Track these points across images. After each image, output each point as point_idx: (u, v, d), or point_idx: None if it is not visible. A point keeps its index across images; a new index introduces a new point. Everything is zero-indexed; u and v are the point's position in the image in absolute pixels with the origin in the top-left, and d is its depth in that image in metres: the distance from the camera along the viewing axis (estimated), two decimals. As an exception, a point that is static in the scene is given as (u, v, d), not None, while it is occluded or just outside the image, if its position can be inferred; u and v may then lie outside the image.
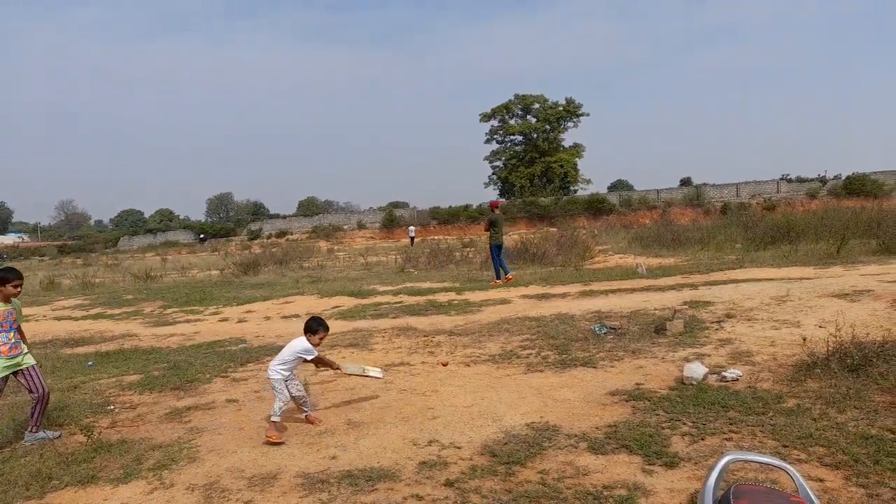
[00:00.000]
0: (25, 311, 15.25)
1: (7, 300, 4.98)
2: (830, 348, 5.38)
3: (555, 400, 5.25)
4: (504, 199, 67.07)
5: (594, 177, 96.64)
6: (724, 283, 10.76)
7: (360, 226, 66.02)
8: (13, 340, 4.95)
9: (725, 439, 4.11)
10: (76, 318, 13.65)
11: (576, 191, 70.10)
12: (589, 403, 5.10)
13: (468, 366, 6.66)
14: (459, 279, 15.15)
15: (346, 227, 66.40)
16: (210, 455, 4.49)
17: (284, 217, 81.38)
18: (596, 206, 57.38)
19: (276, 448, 4.53)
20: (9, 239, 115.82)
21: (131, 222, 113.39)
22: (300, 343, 5.11)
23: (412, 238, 42.78)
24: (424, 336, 8.43)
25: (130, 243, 78.41)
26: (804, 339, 5.88)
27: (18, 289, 5.03)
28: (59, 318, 13.84)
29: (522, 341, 7.60)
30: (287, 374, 4.98)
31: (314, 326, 5.20)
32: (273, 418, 4.80)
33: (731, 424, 4.34)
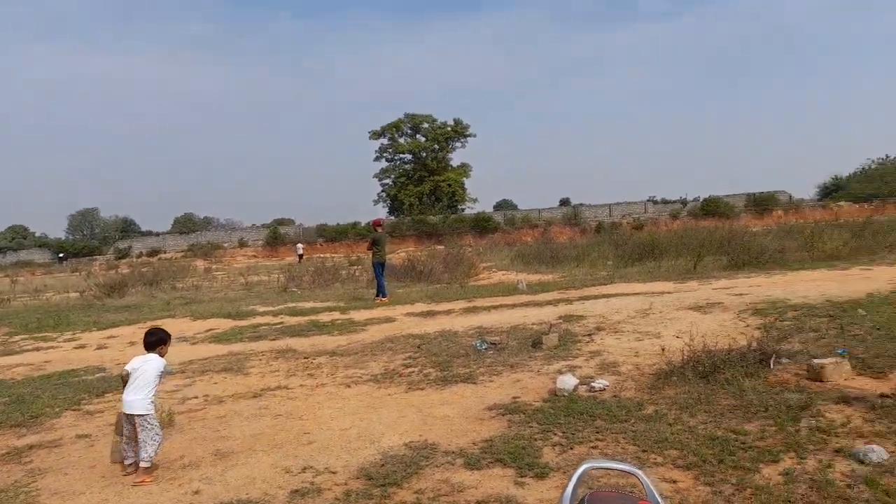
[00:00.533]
0: None
1: None
2: (685, 357, 5.82)
3: (434, 417, 5.26)
4: (391, 217, 67.25)
5: (481, 196, 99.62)
6: (597, 297, 11.40)
7: (242, 244, 63.34)
8: None
9: (592, 447, 4.31)
10: None
11: (463, 209, 71.76)
12: (468, 419, 5.16)
13: (349, 387, 6.53)
14: (345, 298, 14.91)
15: (226, 245, 63.43)
16: (52, 499, 4.04)
17: (158, 234, 76.32)
18: (482, 225, 59.03)
19: (132, 488, 4.15)
20: None
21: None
22: (157, 362, 4.58)
23: (300, 256, 41.57)
24: (304, 358, 8.18)
25: (-27, 263, 69.85)
26: (663, 349, 6.34)
27: None
28: None
29: (405, 359, 7.58)
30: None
31: (165, 336, 4.76)
32: (144, 464, 4.27)
33: (597, 433, 4.56)
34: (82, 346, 10.81)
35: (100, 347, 10.52)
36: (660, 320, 8.57)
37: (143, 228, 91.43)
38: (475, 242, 46.57)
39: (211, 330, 11.38)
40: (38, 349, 10.82)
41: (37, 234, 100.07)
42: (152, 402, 4.48)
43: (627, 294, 11.49)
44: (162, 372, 4.61)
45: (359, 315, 11.86)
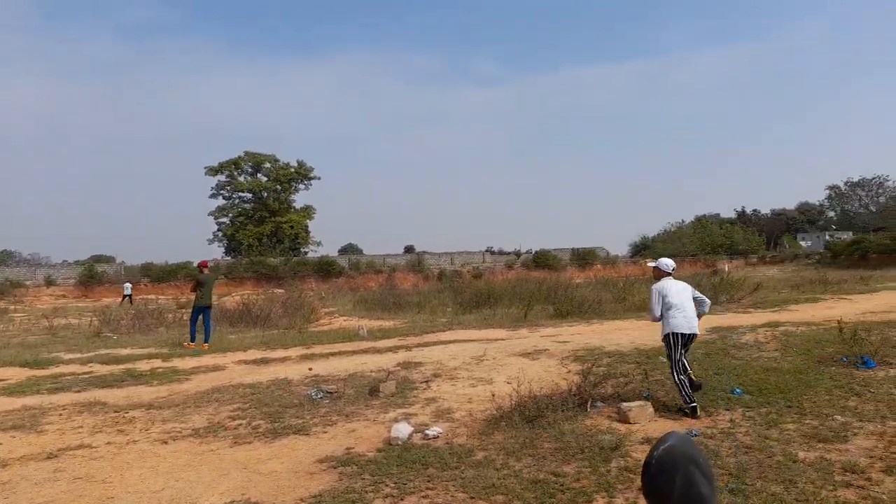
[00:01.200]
0: None
1: None
2: (514, 402, 6.13)
3: (260, 473, 4.96)
4: (227, 258, 63.80)
5: (325, 239, 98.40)
6: (435, 344, 11.65)
7: (49, 282, 55.95)
8: None
9: (423, 497, 4.33)
10: None
11: (306, 252, 70.15)
12: (297, 474, 4.94)
13: (165, 443, 5.96)
14: (169, 344, 13.71)
15: (29, 282, 55.64)
16: None
17: (-61, 267, 64.99)
18: (326, 269, 58.00)
19: None
20: None
21: None
22: None
23: (127, 296, 37.53)
24: (115, 412, 7.34)
25: None
26: (493, 395, 6.62)
27: None
28: None
29: (233, 411, 7.11)
30: None
31: None
32: None
33: (428, 481, 4.59)
34: None
35: None
36: (493, 366, 8.95)
37: (-80, 260, 77.33)
38: (318, 286, 45.58)
39: (1, 381, 9.81)
40: None
41: None
42: None
43: (464, 340, 11.88)
44: None
45: (183, 363, 10.96)
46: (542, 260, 58.86)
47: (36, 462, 5.47)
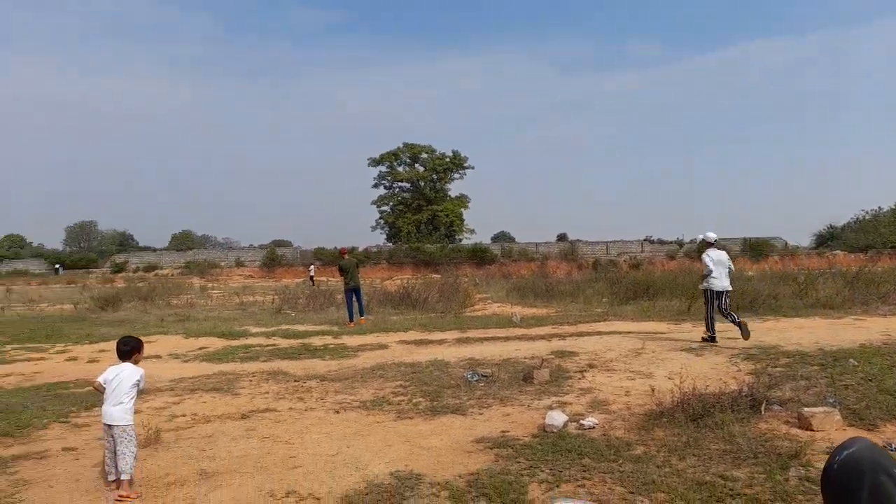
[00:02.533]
0: None
1: None
2: (676, 399, 5.84)
3: (422, 447, 5.24)
4: (389, 244, 67.38)
5: (478, 227, 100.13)
6: (590, 334, 11.41)
7: (239, 263, 63.28)
8: None
9: (579, 486, 4.30)
10: None
11: (461, 239, 72.01)
12: (455, 451, 5.14)
13: (337, 412, 6.51)
14: (338, 323, 14.88)
15: (223, 263, 63.35)
16: (34, 512, 4.01)
17: (155, 250, 76.30)
18: (479, 256, 59.18)
19: (115, 503, 4.13)
20: None
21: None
22: (132, 370, 4.52)
23: (312, 277, 41.46)
24: (295, 381, 8.15)
25: (-32, 270, 69.58)
26: (653, 390, 6.35)
27: None
28: None
29: (396, 387, 7.57)
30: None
31: (138, 345, 4.72)
32: (125, 477, 4.23)
33: (584, 471, 4.55)
34: (73, 359, 10.76)
35: (91, 361, 10.47)
36: (652, 360, 8.58)
37: (141, 244, 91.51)
38: (472, 273, 46.64)
39: (203, 348, 11.34)
40: (29, 360, 10.76)
41: (33, 244, 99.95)
42: (131, 412, 4.45)
43: (621, 332, 11.50)
44: (138, 381, 4.54)
45: (351, 340, 11.84)
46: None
47: (232, 421, 6.26)
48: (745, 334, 9.13)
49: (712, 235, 10.14)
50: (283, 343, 11.71)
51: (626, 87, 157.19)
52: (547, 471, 4.57)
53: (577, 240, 66.81)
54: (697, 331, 11.52)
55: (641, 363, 8.40)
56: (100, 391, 4.52)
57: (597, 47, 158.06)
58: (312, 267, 44.55)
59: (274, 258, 61.95)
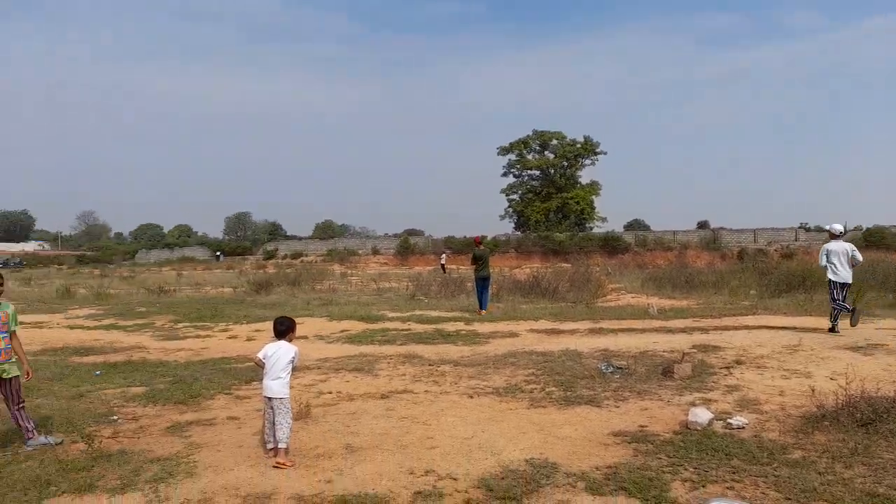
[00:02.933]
0: (41, 318, 15.50)
1: None
2: (840, 401, 5.29)
3: (556, 437, 5.19)
4: (517, 233, 67.18)
5: (610, 215, 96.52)
6: (736, 328, 10.64)
7: (375, 251, 66.38)
8: (3, 346, 4.93)
9: (727, 487, 4.04)
10: (88, 328, 13.80)
11: (591, 228, 70.12)
12: (591, 442, 5.04)
13: (471, 397, 6.63)
14: (469, 310, 15.13)
15: (360, 251, 66.78)
16: (207, 471, 4.49)
17: (301, 239, 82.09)
18: (611, 244, 57.30)
19: (273, 469, 4.52)
20: (30, 246, 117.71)
21: (150, 236, 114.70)
22: (288, 348, 4.89)
23: (443, 265, 42.75)
24: (430, 365, 8.41)
25: (148, 257, 79.37)
26: (813, 391, 5.79)
27: (2, 287, 4.99)
28: (71, 327, 14.00)
29: (528, 375, 7.56)
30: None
31: (292, 324, 5.06)
32: (282, 445, 4.61)
33: (733, 473, 4.26)
34: (234, 337, 11.90)
35: (249, 339, 11.52)
36: (810, 358, 7.83)
37: (289, 232, 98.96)
38: (603, 262, 45.27)
39: (345, 331, 12.04)
40: (197, 336, 12.07)
41: (198, 233, 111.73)
42: (287, 385, 4.82)
43: (773, 327, 10.61)
44: (293, 358, 4.90)
45: (482, 327, 11.98)
46: (875, 238, 48.95)
47: (373, 400, 6.60)
48: (854, 321, 9.69)
49: (838, 227, 10.48)
50: (418, 328, 12.12)
51: (779, 60, 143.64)
52: (691, 469, 4.34)
53: (721, 227, 62.40)
54: (866, 328, 10.36)
55: (798, 361, 7.69)
56: (260, 366, 4.95)
57: (744, 20, 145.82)
58: (443, 255, 45.68)
59: (407, 246, 64.25)
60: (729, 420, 5.38)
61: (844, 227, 10.70)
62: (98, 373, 8.34)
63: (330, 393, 6.93)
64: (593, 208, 72.40)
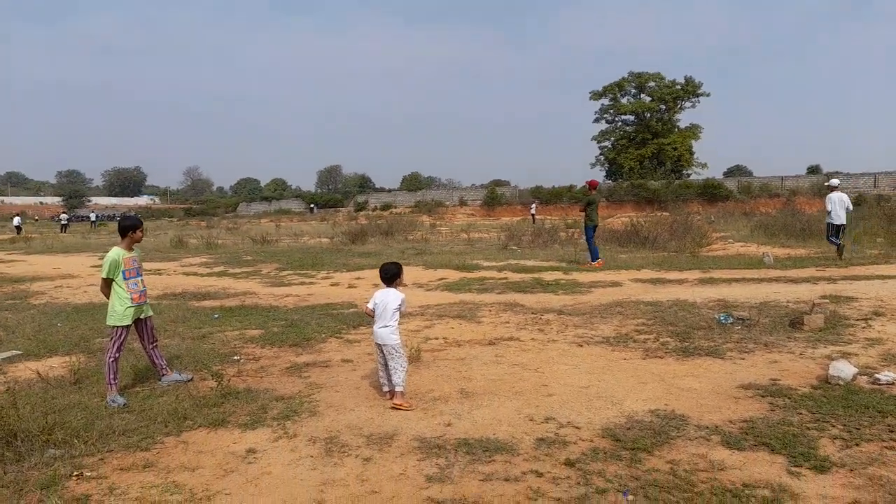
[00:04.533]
0: (159, 265, 16.65)
1: (130, 247, 5.23)
2: None
3: (679, 388, 4.92)
4: (608, 181, 64.90)
5: (710, 161, 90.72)
6: (868, 278, 9.73)
7: (462, 202, 66.37)
8: (142, 288, 5.20)
9: (886, 447, 3.65)
10: (201, 275, 14.65)
11: (689, 175, 66.55)
12: (718, 395, 4.74)
13: (580, 346, 6.43)
14: (565, 259, 14.76)
15: (447, 203, 67.01)
16: (329, 410, 4.60)
17: (389, 191, 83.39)
18: (711, 192, 54.14)
19: (391, 410, 4.56)
20: (142, 200, 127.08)
21: (249, 190, 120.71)
22: (395, 294, 4.87)
23: (533, 215, 42.27)
24: (532, 313, 8.25)
25: (248, 209, 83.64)
26: (979, 346, 5.15)
27: (141, 234, 5.29)
28: (186, 274, 14.92)
29: (638, 325, 7.24)
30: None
31: (398, 270, 5.00)
32: (398, 388, 4.65)
33: (890, 432, 3.86)
34: (336, 284, 12.23)
35: (350, 286, 11.80)
36: (964, 311, 7.00)
37: (377, 185, 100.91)
38: (703, 210, 42.96)
39: (442, 279, 12.08)
40: (302, 283, 12.51)
41: (293, 187, 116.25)
42: (397, 331, 4.81)
43: (911, 277, 9.60)
44: (400, 304, 4.87)
45: (582, 277, 11.65)
46: None
47: (480, 346, 6.55)
48: (839, 254, 12.58)
49: (835, 182, 13.91)
50: (514, 277, 11.95)
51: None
52: (839, 427, 3.97)
53: (835, 171, 57.33)
54: None
55: (949, 314, 6.90)
56: (370, 315, 4.96)
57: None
58: (533, 205, 45.10)
59: (494, 197, 63.72)
60: (876, 375, 4.89)
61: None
62: (216, 316, 8.80)
63: (437, 339, 6.95)
64: (692, 154, 68.55)
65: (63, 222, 46.57)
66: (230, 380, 5.29)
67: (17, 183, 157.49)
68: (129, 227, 5.17)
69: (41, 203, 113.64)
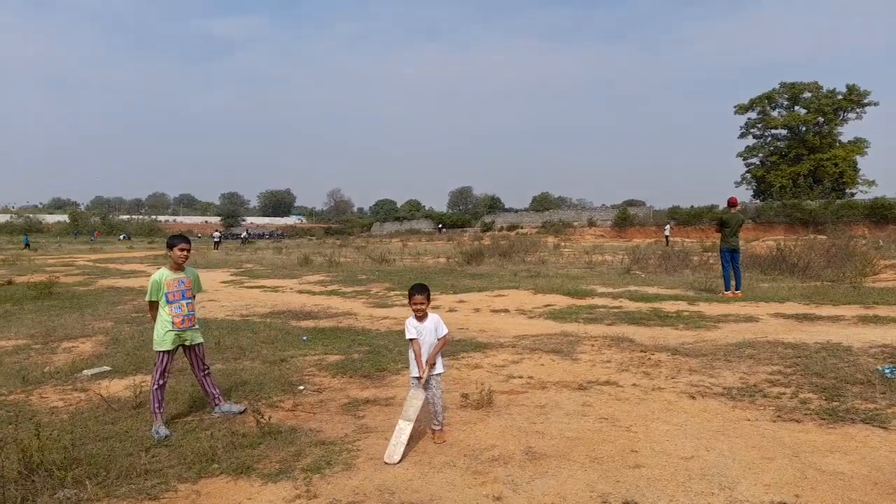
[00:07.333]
0: (280, 282, 17.21)
1: (178, 268, 4.93)
2: None
3: (819, 470, 3.70)
4: (756, 201, 59.39)
5: (879, 178, 79.64)
6: None
7: (591, 223, 64.03)
8: (186, 312, 4.89)
9: None
10: (313, 293, 14.84)
11: (853, 194, 59.12)
12: (876, 485, 3.48)
13: (693, 398, 5.27)
14: (694, 287, 13.14)
15: (576, 223, 65.00)
16: (366, 464, 3.96)
17: (517, 211, 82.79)
18: (880, 213, 47.61)
19: (436, 471, 3.82)
20: (291, 220, 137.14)
21: (385, 210, 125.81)
22: (434, 319, 4.52)
23: (667, 237, 39.74)
24: (642, 351, 7.12)
25: (381, 229, 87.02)
26: None
27: (185, 253, 4.90)
28: (300, 292, 15.20)
29: (772, 374, 5.90)
30: None
31: (413, 292, 4.46)
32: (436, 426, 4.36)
33: None
34: (436, 308, 11.70)
35: (450, 310, 11.23)
36: None
37: (507, 205, 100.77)
38: (870, 234, 37.65)
39: (549, 305, 11.14)
40: (404, 305, 12.13)
41: (426, 207, 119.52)
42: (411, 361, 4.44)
43: None
44: (447, 333, 4.48)
45: (710, 308, 10.15)
46: None
47: (568, 391, 5.60)
48: None
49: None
50: (630, 306, 10.71)
51: None
52: None
53: None
54: None
55: None
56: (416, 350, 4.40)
57: None
58: (668, 226, 42.32)
59: (625, 217, 60.79)
60: None
61: None
62: (305, 338, 8.58)
63: (520, 377, 6.10)
64: (856, 170, 60.93)
65: (216, 239, 50.97)
66: (282, 414, 4.84)
67: (188, 204, 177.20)
68: (167, 247, 4.93)
69: (206, 222, 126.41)
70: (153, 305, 4.84)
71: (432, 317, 4.41)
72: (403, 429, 4.10)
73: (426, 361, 4.27)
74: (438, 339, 4.36)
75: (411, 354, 4.39)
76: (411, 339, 4.35)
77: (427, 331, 4.34)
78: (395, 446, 4.02)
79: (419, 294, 4.36)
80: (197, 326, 5.04)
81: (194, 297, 5.01)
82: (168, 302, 4.78)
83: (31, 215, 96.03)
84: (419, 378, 4.28)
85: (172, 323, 4.79)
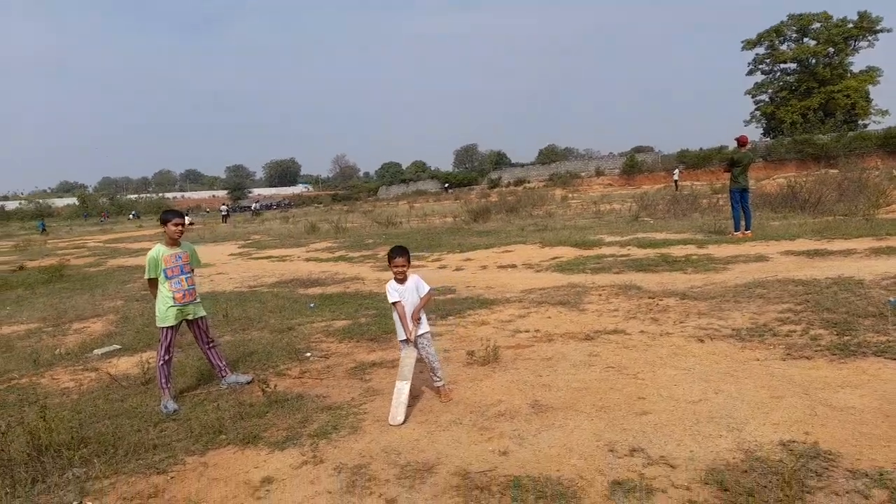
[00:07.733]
0: (287, 251, 17.22)
1: (174, 244, 4.86)
2: None
3: (830, 406, 3.65)
4: (766, 139, 58.28)
5: (893, 107, 77.31)
6: None
7: (599, 172, 63.29)
8: (186, 286, 4.85)
9: None
10: (321, 260, 14.84)
11: (866, 125, 57.74)
12: (889, 418, 3.42)
13: (701, 341, 5.21)
14: (703, 230, 12.96)
15: (583, 174, 64.29)
16: (373, 427, 3.96)
17: (523, 166, 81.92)
18: (894, 143, 46.52)
19: (443, 429, 3.81)
20: (297, 189, 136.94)
21: (391, 173, 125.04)
22: (415, 279, 4.49)
23: (676, 182, 39.28)
24: (649, 297, 7.04)
25: (388, 192, 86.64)
26: None
27: (179, 228, 4.82)
28: (307, 260, 15.20)
29: (782, 312, 5.81)
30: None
31: (392, 255, 4.41)
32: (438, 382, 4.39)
33: None
34: (443, 267, 11.68)
35: (457, 269, 11.18)
36: None
37: (513, 160, 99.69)
38: (884, 165, 36.91)
39: (556, 258, 11.05)
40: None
41: (431, 168, 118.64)
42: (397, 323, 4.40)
43: None
44: (430, 290, 4.48)
45: (719, 251, 10.02)
46: None
47: (575, 341, 5.56)
48: None
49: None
50: (639, 253, 10.60)
51: None
52: None
53: None
54: None
55: None
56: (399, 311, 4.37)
57: None
58: (676, 170, 41.74)
59: (633, 165, 59.97)
60: None
61: None
62: (312, 305, 8.58)
63: (527, 332, 6.06)
64: (868, 101, 59.35)
65: (224, 213, 51.07)
66: (289, 382, 4.85)
67: (194, 179, 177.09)
68: (161, 222, 4.86)
69: (213, 196, 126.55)
70: (153, 282, 4.82)
71: (413, 277, 4.36)
72: (402, 389, 4.08)
73: (411, 317, 4.22)
74: (421, 298, 4.29)
75: (396, 318, 4.33)
76: (394, 303, 4.29)
77: (409, 291, 4.29)
78: (397, 407, 4.01)
79: (399, 257, 4.30)
80: (198, 300, 5.02)
81: (193, 271, 4.97)
82: (167, 278, 4.75)
83: (40, 200, 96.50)
84: (406, 341, 4.24)
85: (173, 298, 4.77)
